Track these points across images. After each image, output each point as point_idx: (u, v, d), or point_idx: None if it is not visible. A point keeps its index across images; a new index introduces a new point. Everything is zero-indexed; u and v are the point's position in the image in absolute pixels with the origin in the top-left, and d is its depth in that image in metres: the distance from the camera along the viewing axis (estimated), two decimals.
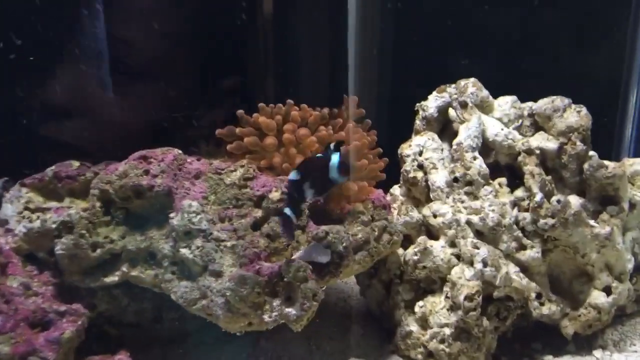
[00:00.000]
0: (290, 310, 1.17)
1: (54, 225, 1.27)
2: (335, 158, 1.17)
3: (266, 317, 1.17)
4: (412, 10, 1.86)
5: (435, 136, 1.49)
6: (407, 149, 1.48)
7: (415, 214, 1.43)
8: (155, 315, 1.44)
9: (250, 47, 1.74)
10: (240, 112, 1.35)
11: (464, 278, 1.33)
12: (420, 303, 1.39)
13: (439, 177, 1.43)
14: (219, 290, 1.19)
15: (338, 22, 1.77)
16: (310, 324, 1.39)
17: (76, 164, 1.41)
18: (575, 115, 1.44)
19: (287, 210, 1.15)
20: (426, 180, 1.46)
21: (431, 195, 1.44)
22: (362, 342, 1.47)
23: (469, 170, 1.40)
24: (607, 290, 1.43)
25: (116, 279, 1.29)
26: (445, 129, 1.53)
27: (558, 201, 1.36)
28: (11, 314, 1.16)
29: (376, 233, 1.31)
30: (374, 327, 1.52)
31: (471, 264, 1.34)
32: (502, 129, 1.45)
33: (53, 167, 1.39)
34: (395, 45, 1.88)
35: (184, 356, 1.44)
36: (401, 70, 1.85)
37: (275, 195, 1.27)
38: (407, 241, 1.44)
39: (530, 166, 1.42)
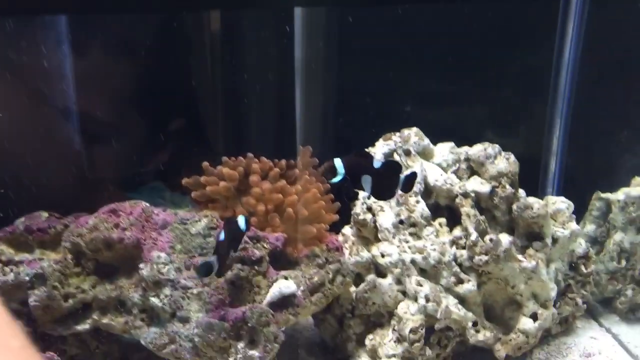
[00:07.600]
0: (254, 353, 1.28)
1: (27, 278, 1.34)
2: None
3: None
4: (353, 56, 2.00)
5: None
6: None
7: (365, 254, 1.57)
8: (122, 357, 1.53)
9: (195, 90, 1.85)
10: (205, 163, 1.46)
11: (409, 313, 1.47)
12: (370, 336, 1.53)
13: (386, 219, 1.57)
14: (187, 335, 1.29)
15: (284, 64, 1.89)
16: None
17: (45, 214, 1.48)
18: (505, 162, 1.62)
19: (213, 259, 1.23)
20: (374, 222, 1.60)
21: (379, 236, 1.59)
22: None
23: (413, 213, 1.55)
24: (534, 317, 1.61)
25: (87, 326, 1.37)
26: None
27: (491, 240, 1.53)
28: None
29: (330, 275, 1.44)
30: (328, 358, 1.65)
31: (415, 299, 1.48)
32: (441, 175, 1.60)
33: (23, 220, 1.45)
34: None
35: None
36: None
37: None
38: (358, 278, 1.58)
39: (466, 208, 1.58)
